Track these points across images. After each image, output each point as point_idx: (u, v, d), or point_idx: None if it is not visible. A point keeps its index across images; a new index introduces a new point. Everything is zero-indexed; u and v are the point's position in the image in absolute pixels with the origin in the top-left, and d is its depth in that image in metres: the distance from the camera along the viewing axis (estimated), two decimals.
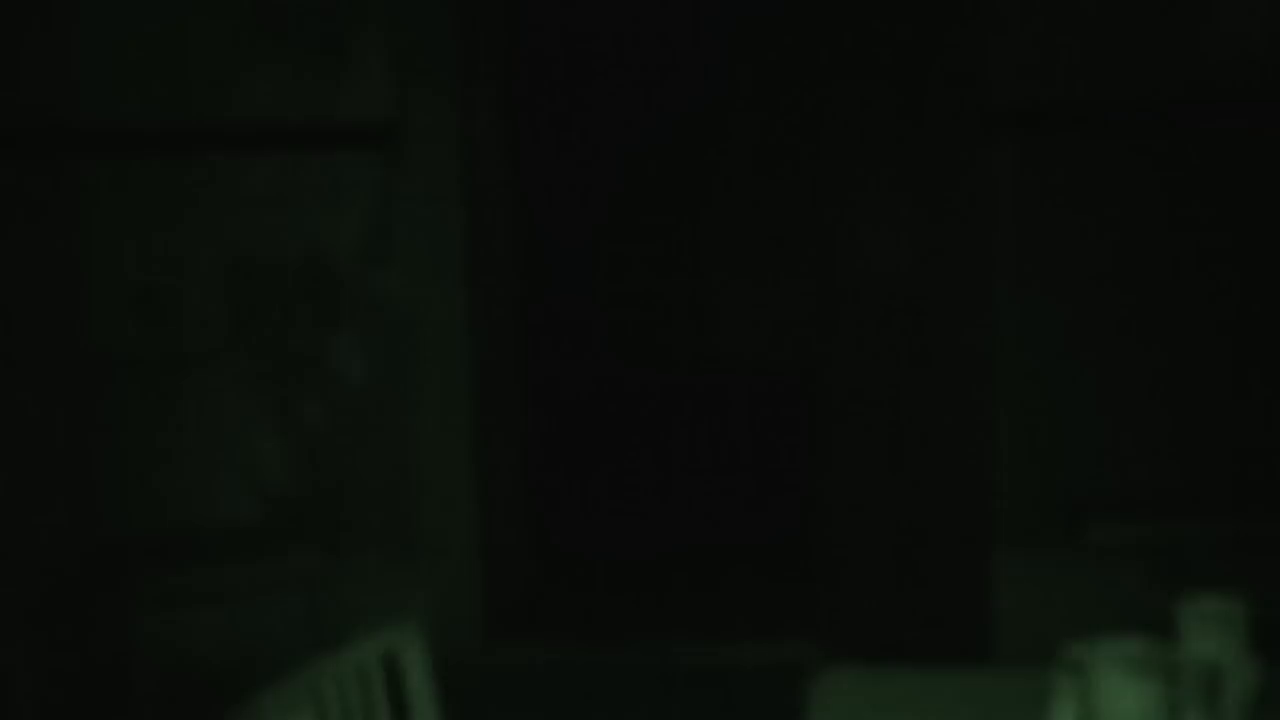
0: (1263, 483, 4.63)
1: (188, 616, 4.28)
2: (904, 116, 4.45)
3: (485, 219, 4.99)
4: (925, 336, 4.51)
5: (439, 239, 4.67)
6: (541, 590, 5.45)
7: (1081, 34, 4.47)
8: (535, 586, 5.42)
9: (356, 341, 4.67)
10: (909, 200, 4.46)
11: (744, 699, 4.53)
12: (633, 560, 5.81)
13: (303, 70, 4.54)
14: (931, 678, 2.38)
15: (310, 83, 4.55)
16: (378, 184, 4.59)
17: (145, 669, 4.21)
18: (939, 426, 4.50)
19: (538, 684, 4.75)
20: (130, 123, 4.51)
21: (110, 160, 4.54)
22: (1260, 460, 4.63)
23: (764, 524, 6.07)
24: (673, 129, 7.94)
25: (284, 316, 4.65)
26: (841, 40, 4.63)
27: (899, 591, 4.68)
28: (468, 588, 4.81)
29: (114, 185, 4.54)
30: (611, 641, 5.07)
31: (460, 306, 4.70)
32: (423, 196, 4.63)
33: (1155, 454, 4.64)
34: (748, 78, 7.99)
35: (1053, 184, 4.55)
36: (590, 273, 8.01)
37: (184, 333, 4.62)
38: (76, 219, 4.49)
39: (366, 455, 4.70)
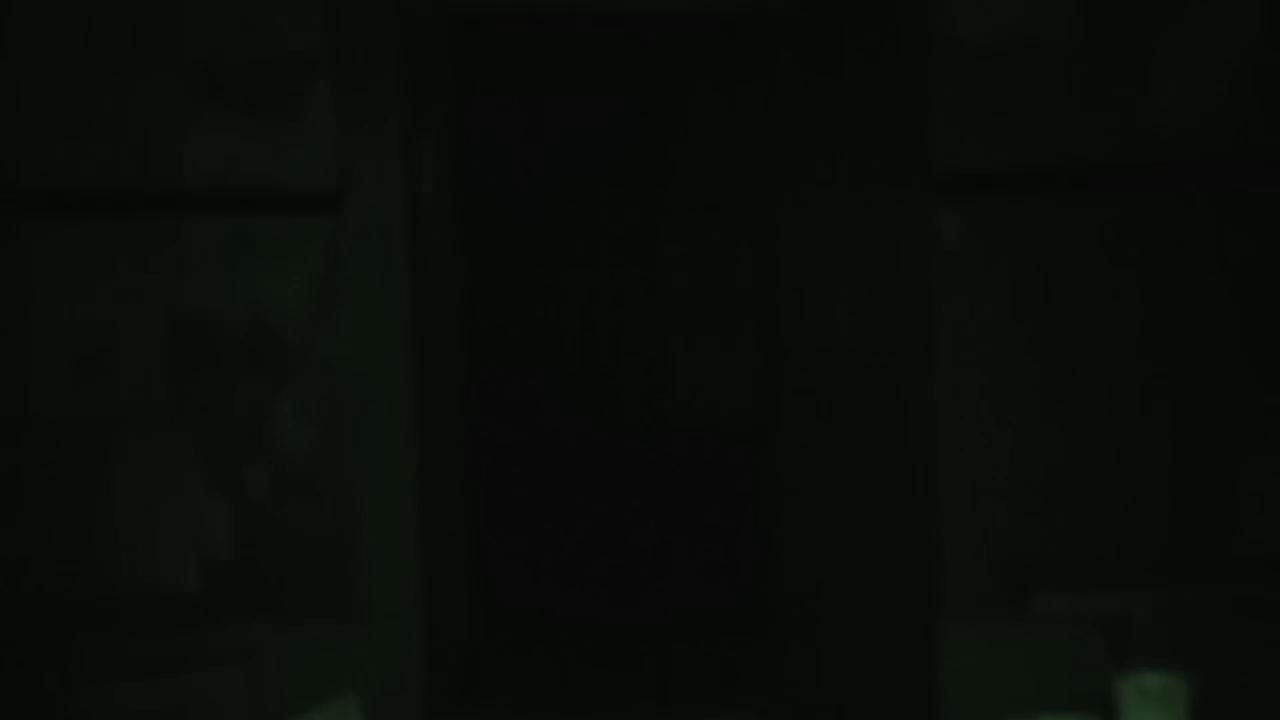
0: (1214, 552, 4.70)
1: (125, 687, 4.25)
2: (851, 183, 4.48)
3: (432, 282, 5.01)
4: (870, 402, 4.54)
5: (385, 303, 4.68)
6: (488, 660, 5.41)
7: (1024, 102, 4.57)
8: (481, 656, 5.39)
9: (300, 406, 4.65)
10: (856, 265, 4.50)
11: None
12: (582, 626, 5.78)
13: (248, 132, 4.56)
14: None
15: (255, 145, 4.56)
16: (324, 248, 4.60)
17: None
18: (884, 494, 4.54)
19: None
20: (71, 183, 4.53)
21: (50, 221, 4.57)
22: (1212, 529, 4.70)
23: (716, 591, 6.11)
24: (625, 189, 7.94)
25: (227, 381, 4.63)
26: (789, 106, 4.72)
27: (846, 663, 4.67)
28: (412, 658, 4.77)
29: (54, 247, 4.56)
30: (558, 713, 5.07)
31: (406, 370, 4.70)
32: (369, 260, 4.64)
33: (1104, 522, 4.67)
34: (698, 144, 8.01)
35: (997, 249, 4.60)
36: (540, 333, 7.98)
37: (124, 396, 4.60)
38: (17, 280, 4.52)
39: (310, 522, 4.69)
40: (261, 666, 4.33)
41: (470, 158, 6.00)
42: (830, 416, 4.65)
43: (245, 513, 4.63)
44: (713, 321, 7.72)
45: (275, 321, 4.61)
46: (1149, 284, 4.59)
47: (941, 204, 4.46)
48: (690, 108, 7.90)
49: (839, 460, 4.63)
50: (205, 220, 4.55)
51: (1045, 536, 4.63)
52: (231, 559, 4.62)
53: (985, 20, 4.55)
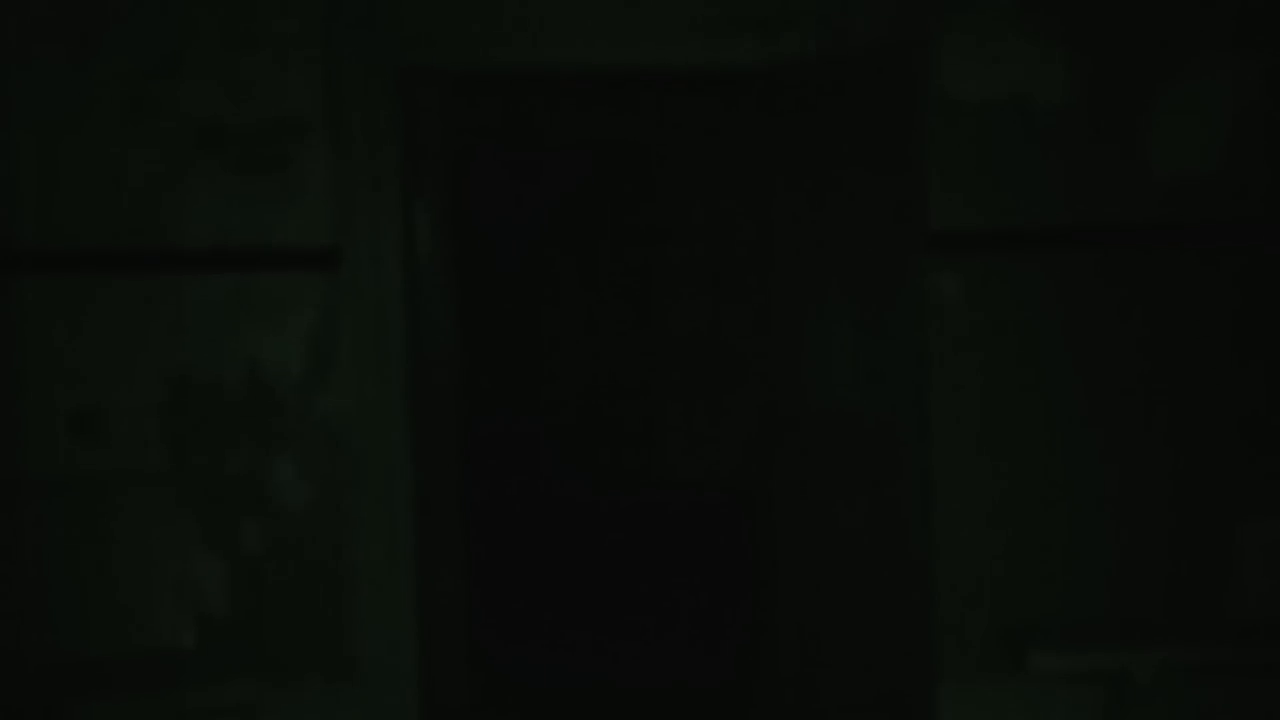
0: (1212, 612, 4.68)
1: None
2: (847, 241, 4.46)
3: (429, 339, 4.95)
4: (866, 462, 4.46)
5: (382, 360, 4.63)
6: (477, 712, 5.35)
7: (1021, 161, 4.61)
8: (472, 715, 5.30)
9: (297, 465, 4.61)
10: (851, 323, 4.47)
11: None
12: (574, 695, 5.73)
13: (245, 191, 4.57)
14: None
15: (253, 204, 4.58)
16: (321, 305, 4.57)
17: None
18: (880, 554, 4.45)
19: None
20: (67, 242, 4.55)
21: (46, 280, 4.56)
22: (1209, 589, 4.69)
23: (709, 656, 6.05)
24: (622, 246, 8.02)
25: (224, 439, 4.59)
26: (785, 164, 4.69)
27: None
28: (406, 716, 4.71)
29: (49, 305, 4.55)
30: None
31: (401, 429, 4.63)
32: (366, 316, 4.61)
33: (1102, 581, 4.70)
34: (695, 200, 8.05)
35: (995, 306, 4.65)
36: (537, 391, 7.99)
37: (120, 454, 4.57)
38: (11, 338, 4.49)
39: (306, 579, 4.66)
40: None
41: (468, 214, 5.92)
42: (825, 476, 4.59)
43: (242, 570, 4.60)
44: (708, 380, 7.82)
45: (273, 379, 4.60)
46: (1148, 342, 4.65)
47: (939, 262, 4.49)
48: (688, 164, 7.94)
49: (834, 520, 4.56)
50: (202, 278, 4.55)
51: (1043, 595, 4.64)
52: (228, 616, 4.58)
53: (981, 81, 4.61)
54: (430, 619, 4.82)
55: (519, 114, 7.61)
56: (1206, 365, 4.61)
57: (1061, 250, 4.59)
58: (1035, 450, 4.63)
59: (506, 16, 4.61)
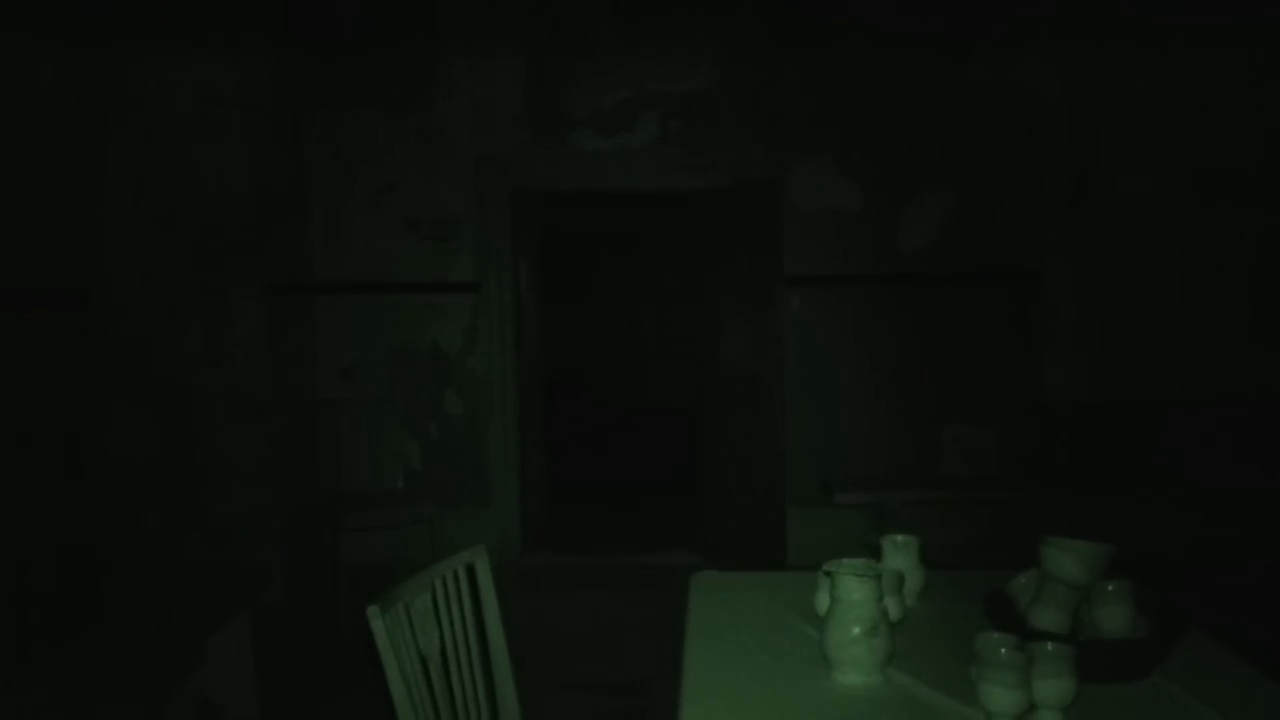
0: (930, 474, 4.79)
1: (366, 539, 4.44)
2: (746, 278, 4.64)
3: (525, 331, 5.21)
4: (754, 393, 4.64)
5: (501, 341, 4.89)
6: (551, 524, 5.53)
7: (830, 239, 4.73)
8: (547, 522, 5.53)
9: (457, 393, 4.95)
10: (747, 321, 4.65)
11: (657, 585, 4.60)
12: (599, 496, 5.95)
13: (431, 253, 4.81)
14: (756, 575, 2.19)
15: (435, 259, 4.84)
16: (470, 312, 4.90)
17: (344, 568, 4.18)
18: (761, 440, 4.64)
19: (548, 576, 4.85)
20: (342, 279, 4.82)
21: (331, 299, 4.78)
22: (929, 461, 4.75)
23: (670, 481, 6.17)
24: (626, 283, 8.06)
25: (419, 379, 4.93)
26: (716, 239, 4.74)
27: (740, 528, 4.84)
28: (514, 523, 5.02)
29: (332, 311, 4.79)
30: (587, 551, 5.18)
31: (511, 376, 5.01)
32: (493, 318, 4.86)
33: (873, 456, 4.85)
34: (666, 258, 7.98)
35: (817, 313, 4.80)
36: (579, 360, 7.89)
37: (366, 388, 4.90)
38: (312, 330, 4.85)
39: (461, 453, 4.99)
40: (436, 529, 4.50)
41: (547, 266, 5.93)
42: (732, 403, 4.84)
43: (428, 447, 4.98)
44: (671, 351, 7.88)
45: (445, 349, 4.95)
46: (898, 330, 4.86)
47: (789, 291, 4.80)
48: (663, 239, 8.01)
49: (736, 424, 4.82)
50: (409, 297, 4.88)
51: (842, 463, 4.90)
52: (421, 471, 4.96)
53: (811, 199, 4.81)
54: (524, 471, 5.21)
55: (574, 214, 7.48)
56: (929, 343, 4.89)
57: (850, 285, 4.95)
58: (838, 387, 4.89)
59: (566, 167, 4.74)
